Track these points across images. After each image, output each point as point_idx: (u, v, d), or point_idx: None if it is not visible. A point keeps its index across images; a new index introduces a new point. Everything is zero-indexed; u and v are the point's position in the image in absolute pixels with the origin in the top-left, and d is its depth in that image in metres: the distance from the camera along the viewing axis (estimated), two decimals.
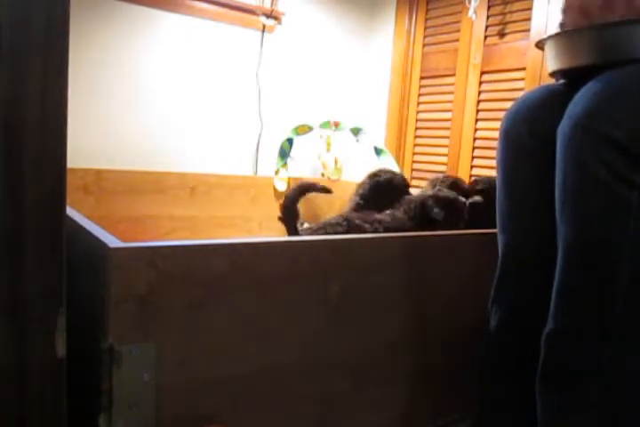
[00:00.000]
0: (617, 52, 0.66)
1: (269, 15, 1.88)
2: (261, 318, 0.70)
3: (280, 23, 1.95)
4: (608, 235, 0.61)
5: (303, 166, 1.99)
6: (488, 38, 1.78)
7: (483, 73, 1.79)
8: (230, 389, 0.69)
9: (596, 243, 0.62)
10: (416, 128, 2.04)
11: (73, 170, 1.33)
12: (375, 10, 2.20)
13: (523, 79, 1.65)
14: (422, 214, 1.11)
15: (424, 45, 2.02)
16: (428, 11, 2.00)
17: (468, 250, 0.92)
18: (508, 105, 0.82)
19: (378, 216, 1.13)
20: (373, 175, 1.34)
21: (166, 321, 0.62)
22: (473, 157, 1.81)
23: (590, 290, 0.63)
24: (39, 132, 0.52)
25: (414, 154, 2.04)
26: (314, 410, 0.77)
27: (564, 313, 0.65)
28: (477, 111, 1.79)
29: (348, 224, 1.11)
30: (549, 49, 0.74)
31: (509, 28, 1.72)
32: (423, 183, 1.50)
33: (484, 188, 1.23)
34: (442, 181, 1.28)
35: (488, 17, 1.77)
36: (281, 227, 1.43)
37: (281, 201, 1.33)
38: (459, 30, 1.88)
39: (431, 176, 1.37)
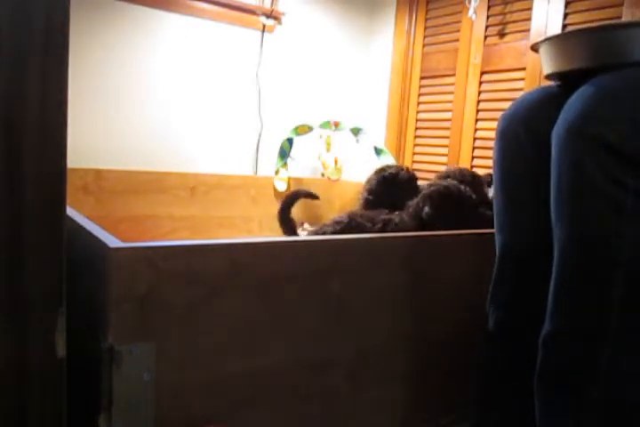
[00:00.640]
0: (611, 56, 0.66)
1: (269, 15, 1.88)
2: (261, 317, 0.70)
3: (280, 23, 1.95)
4: (603, 237, 0.61)
5: (303, 166, 1.99)
6: (488, 38, 1.78)
7: (483, 73, 1.79)
8: (230, 389, 0.69)
9: (590, 244, 0.62)
10: (416, 128, 2.04)
11: (73, 170, 1.33)
12: (375, 10, 2.20)
13: (522, 79, 1.65)
14: (419, 214, 1.11)
15: (424, 45, 2.02)
16: (427, 11, 2.00)
17: (468, 250, 0.92)
18: (508, 105, 0.82)
19: (386, 216, 1.13)
20: (380, 170, 1.35)
21: (166, 321, 0.62)
22: (473, 157, 1.81)
23: (586, 291, 0.63)
24: (39, 132, 0.52)
25: (414, 154, 2.04)
26: (314, 410, 0.77)
27: (561, 314, 0.65)
28: (477, 111, 1.79)
29: (348, 222, 1.11)
30: (545, 52, 0.74)
31: (509, 28, 1.72)
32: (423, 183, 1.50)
33: None
34: (453, 172, 1.26)
35: (488, 17, 1.77)
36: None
37: (281, 201, 1.34)
38: (459, 30, 1.88)
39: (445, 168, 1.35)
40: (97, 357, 0.60)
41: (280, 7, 1.92)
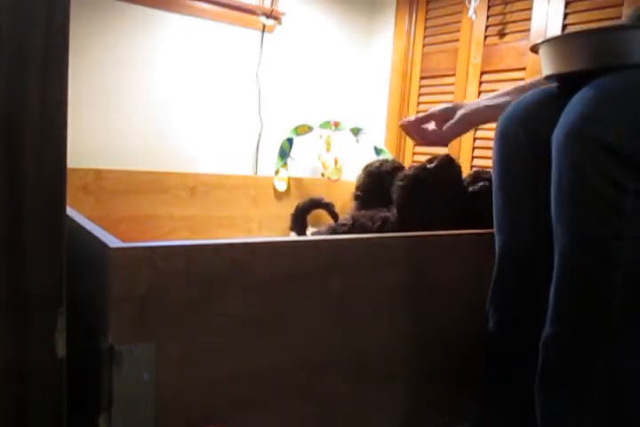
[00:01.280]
0: (610, 58, 0.66)
1: (269, 15, 1.88)
2: (261, 317, 0.70)
3: (280, 23, 1.95)
4: (603, 238, 0.61)
5: (303, 166, 1.99)
6: (488, 38, 1.78)
7: (483, 73, 1.79)
8: (230, 389, 0.69)
9: (590, 246, 0.62)
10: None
11: (73, 170, 1.33)
12: (375, 10, 2.20)
13: (523, 79, 1.65)
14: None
15: (424, 45, 2.02)
16: (427, 11, 2.00)
17: (468, 250, 0.92)
18: None
19: (382, 214, 1.13)
20: (366, 167, 1.35)
21: (166, 321, 0.62)
22: (473, 157, 1.81)
23: (587, 292, 0.63)
24: (39, 132, 0.52)
25: (414, 154, 2.04)
26: (313, 410, 0.77)
27: (562, 315, 0.65)
28: None
29: (352, 223, 1.11)
30: (544, 53, 0.74)
31: (509, 28, 1.72)
32: None
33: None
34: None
35: (488, 17, 1.77)
36: (281, 227, 1.43)
37: (281, 201, 1.34)
38: (459, 30, 1.88)
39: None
40: (97, 357, 0.60)
41: (280, 7, 1.92)
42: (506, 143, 0.78)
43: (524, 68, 1.66)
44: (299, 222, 1.31)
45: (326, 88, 2.12)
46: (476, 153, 1.80)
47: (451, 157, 1.09)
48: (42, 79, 0.51)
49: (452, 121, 1.03)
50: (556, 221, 0.65)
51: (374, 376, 0.83)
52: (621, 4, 1.42)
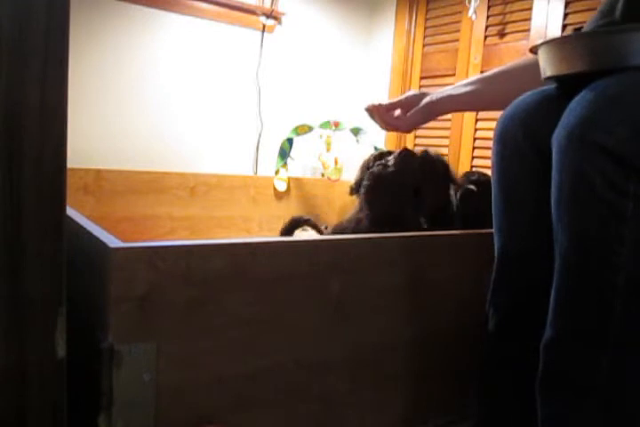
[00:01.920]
0: (610, 60, 0.66)
1: (269, 15, 1.88)
2: (261, 317, 0.70)
3: (280, 23, 1.95)
4: (603, 241, 0.61)
5: (303, 166, 1.99)
6: (488, 38, 1.78)
7: (483, 73, 1.79)
8: (230, 389, 0.69)
9: (591, 249, 0.62)
10: (416, 128, 2.03)
11: (73, 170, 1.33)
12: (375, 10, 2.20)
13: None
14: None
15: (424, 45, 2.02)
16: (427, 11, 2.00)
17: (468, 250, 0.92)
18: None
19: (360, 215, 1.13)
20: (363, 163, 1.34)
21: (166, 321, 0.62)
22: (473, 157, 1.81)
23: (587, 295, 0.63)
24: (39, 132, 0.52)
25: None
26: (313, 410, 0.77)
27: (562, 317, 0.65)
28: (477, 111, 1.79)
29: (356, 225, 1.12)
30: (543, 55, 0.74)
31: (509, 28, 1.72)
32: None
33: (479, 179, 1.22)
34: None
35: (488, 17, 1.77)
36: (281, 227, 1.43)
37: (281, 201, 1.35)
38: (459, 30, 1.88)
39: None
40: (97, 357, 0.60)
41: (280, 7, 1.92)
42: (505, 144, 0.78)
43: None
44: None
45: (326, 88, 2.12)
46: (475, 153, 1.80)
47: (408, 151, 1.10)
48: (42, 79, 0.51)
49: (415, 108, 1.04)
50: (557, 222, 0.65)
51: (374, 376, 0.83)
52: None
